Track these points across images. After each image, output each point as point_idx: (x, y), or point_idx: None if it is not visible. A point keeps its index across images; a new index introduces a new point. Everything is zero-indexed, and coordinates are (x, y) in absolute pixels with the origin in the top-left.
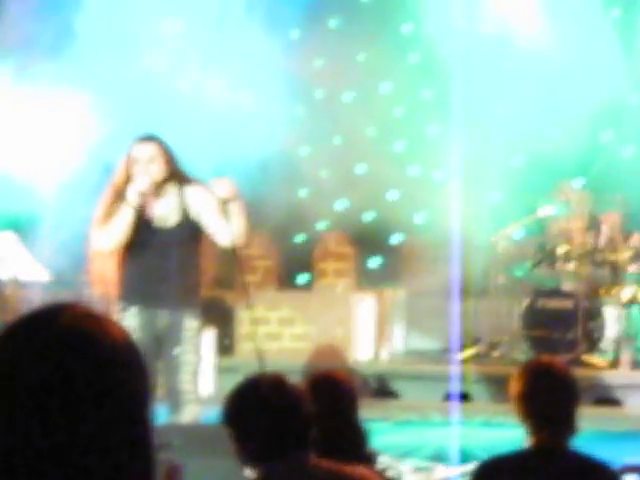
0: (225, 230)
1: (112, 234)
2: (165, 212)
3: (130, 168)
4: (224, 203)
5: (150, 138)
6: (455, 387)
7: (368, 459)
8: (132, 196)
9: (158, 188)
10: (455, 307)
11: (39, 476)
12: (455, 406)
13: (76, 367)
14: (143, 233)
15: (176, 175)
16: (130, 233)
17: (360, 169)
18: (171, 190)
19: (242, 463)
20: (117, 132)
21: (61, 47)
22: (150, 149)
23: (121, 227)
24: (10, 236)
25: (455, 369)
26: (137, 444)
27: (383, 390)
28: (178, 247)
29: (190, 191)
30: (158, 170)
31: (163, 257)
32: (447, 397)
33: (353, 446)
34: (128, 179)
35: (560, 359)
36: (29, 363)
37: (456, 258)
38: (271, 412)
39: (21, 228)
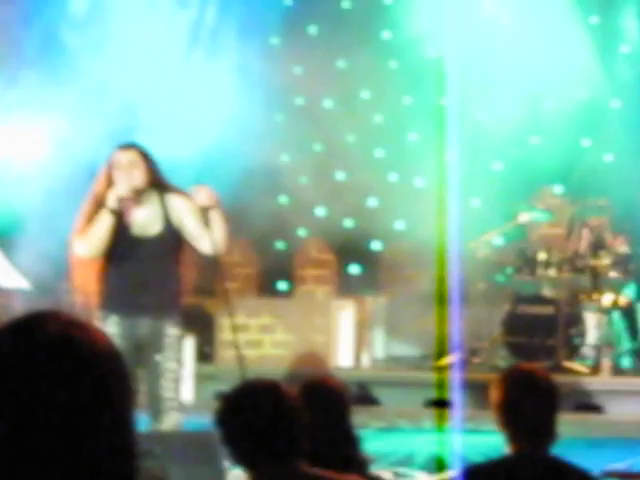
0: (206, 238)
1: (92, 241)
2: (146, 220)
3: (111, 175)
4: (204, 211)
5: (131, 145)
6: (436, 394)
7: (360, 465)
8: (112, 201)
9: (139, 195)
10: (437, 313)
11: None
12: (436, 413)
13: (64, 375)
14: (124, 242)
15: (157, 183)
16: (110, 241)
17: (340, 176)
18: (152, 198)
19: (233, 464)
20: (103, 138)
21: (47, 54)
22: (131, 155)
23: (101, 233)
24: None
25: (435, 376)
26: (122, 450)
27: (364, 397)
28: (159, 256)
29: (171, 199)
30: (139, 176)
31: (144, 266)
32: (428, 404)
33: (345, 453)
34: (109, 186)
35: (540, 365)
36: (16, 371)
37: (436, 265)
38: (264, 416)
39: (2, 234)
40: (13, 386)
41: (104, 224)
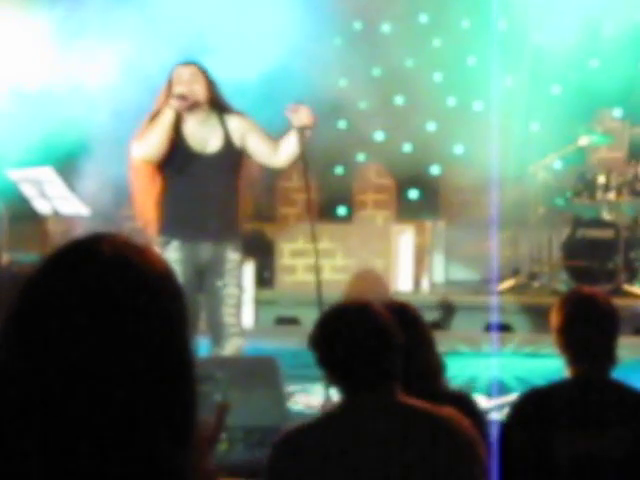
0: (274, 153)
1: (150, 140)
2: (205, 137)
3: (171, 89)
4: (301, 131)
5: (192, 62)
6: (495, 318)
7: (458, 398)
8: (174, 100)
9: (199, 109)
10: (496, 237)
11: (84, 405)
12: (496, 336)
13: (122, 296)
14: (183, 157)
15: (217, 102)
16: (169, 153)
17: (399, 101)
18: (212, 117)
19: (330, 386)
20: (172, 62)
21: None
22: (192, 70)
23: (160, 133)
24: (48, 171)
25: (495, 300)
26: (182, 373)
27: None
28: (219, 175)
29: (231, 119)
30: (200, 90)
31: (204, 187)
32: (488, 328)
33: (435, 378)
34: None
35: (600, 289)
36: (75, 294)
37: (496, 189)
38: (359, 338)
39: (69, 159)
40: (68, 305)
41: (163, 123)
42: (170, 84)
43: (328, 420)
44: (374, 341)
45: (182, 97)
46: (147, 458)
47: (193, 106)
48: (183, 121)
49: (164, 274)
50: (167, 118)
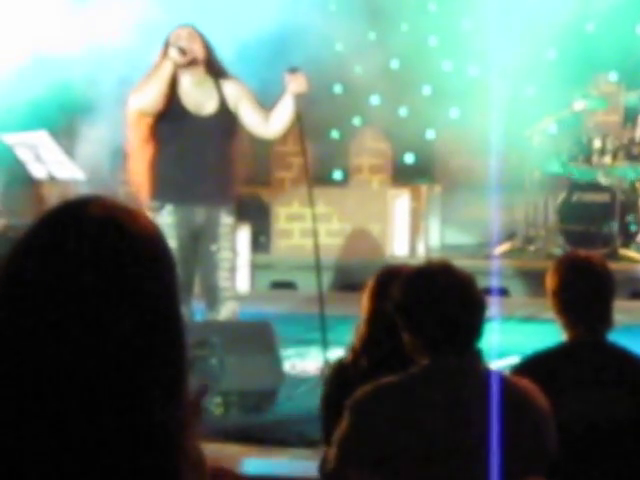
0: (265, 122)
1: (148, 91)
2: (201, 99)
3: (169, 48)
4: (297, 97)
5: (189, 24)
6: (493, 282)
7: None
8: (173, 51)
9: (196, 70)
10: (492, 201)
11: (75, 369)
12: (493, 300)
13: (110, 257)
14: (178, 119)
15: (213, 67)
16: (165, 101)
17: (394, 64)
18: (207, 80)
19: (410, 354)
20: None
21: None
22: (189, 30)
23: (158, 84)
24: (44, 135)
25: (492, 263)
26: (171, 336)
27: None
28: (214, 138)
29: (227, 84)
30: (199, 50)
31: (199, 149)
32: (484, 292)
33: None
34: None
35: (596, 253)
36: (62, 254)
37: (493, 153)
38: (443, 301)
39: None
40: (55, 267)
41: (161, 75)
42: (168, 43)
43: (411, 381)
44: (463, 304)
45: (181, 50)
46: (141, 412)
47: (191, 63)
48: (179, 81)
49: (153, 237)
50: (165, 70)
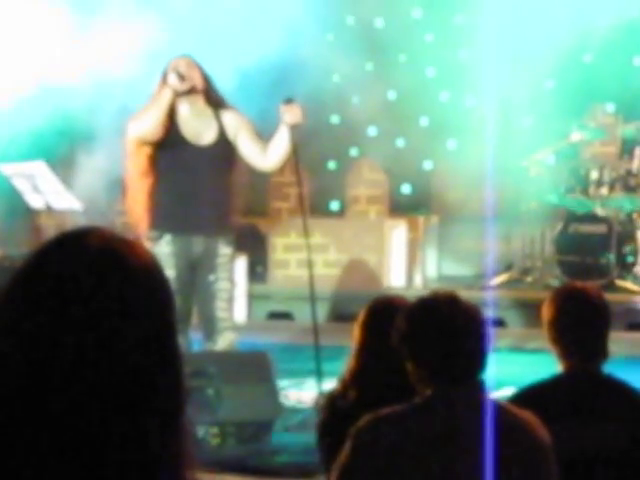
0: (263, 154)
1: (146, 118)
2: (200, 129)
3: (168, 75)
4: (292, 128)
5: (187, 55)
6: (489, 312)
7: None
8: (172, 77)
9: (195, 99)
10: (489, 232)
11: (71, 400)
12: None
13: (108, 288)
14: (177, 149)
15: (212, 97)
16: (164, 130)
17: (392, 96)
18: (207, 110)
19: (414, 384)
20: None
21: None
22: (188, 61)
23: (157, 111)
24: (41, 165)
25: (489, 295)
26: (167, 362)
27: None
28: (212, 168)
29: (226, 114)
30: (198, 78)
31: (197, 179)
32: None
33: None
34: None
35: (593, 284)
36: (60, 285)
37: (490, 184)
38: (447, 332)
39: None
40: (53, 297)
41: (160, 102)
42: (166, 71)
43: (412, 411)
44: (467, 334)
45: (180, 76)
46: (138, 442)
47: (190, 92)
48: (177, 110)
49: (151, 267)
50: (164, 97)
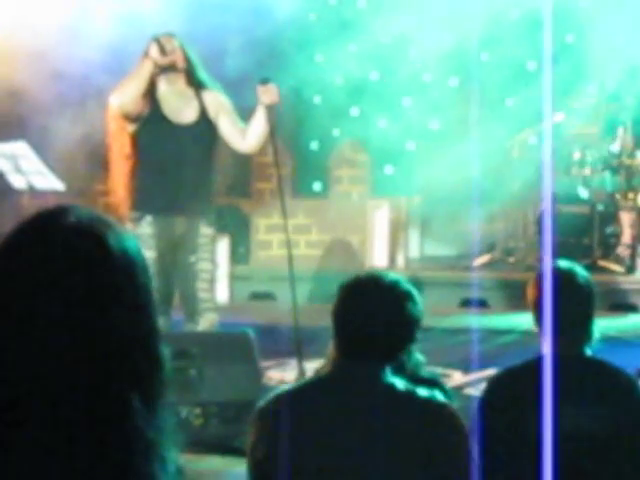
0: (243, 135)
1: (128, 89)
2: (181, 107)
3: (150, 46)
4: (267, 109)
5: (172, 34)
6: (472, 293)
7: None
8: (153, 49)
9: (176, 78)
10: (471, 213)
11: (49, 377)
12: (472, 312)
13: (82, 265)
14: (158, 127)
15: (194, 78)
16: (145, 103)
17: (375, 76)
18: (188, 90)
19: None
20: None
21: None
22: (172, 38)
23: (138, 82)
24: (23, 146)
25: (472, 275)
26: (144, 344)
27: None
28: (193, 147)
29: (208, 94)
30: (179, 56)
31: (178, 159)
32: (464, 303)
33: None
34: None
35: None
36: (35, 260)
37: (472, 164)
38: (355, 312)
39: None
40: (30, 274)
41: (141, 73)
42: (148, 47)
43: (311, 388)
44: (381, 315)
45: (162, 49)
46: (119, 419)
47: (170, 69)
48: (158, 88)
49: (129, 247)
50: (145, 69)
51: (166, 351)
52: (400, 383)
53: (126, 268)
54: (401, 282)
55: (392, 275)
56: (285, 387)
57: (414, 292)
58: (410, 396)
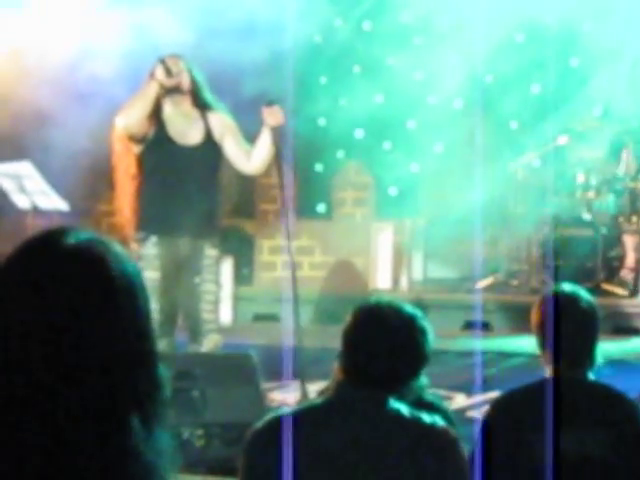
0: (248, 157)
1: (133, 111)
2: (186, 129)
3: (155, 68)
4: (273, 130)
5: (178, 55)
6: (475, 316)
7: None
8: (159, 71)
9: (181, 100)
10: (475, 235)
11: (46, 396)
12: (475, 335)
13: (83, 289)
14: (163, 148)
15: (200, 100)
16: (150, 124)
17: (379, 98)
18: (194, 112)
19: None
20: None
21: None
22: (178, 59)
23: (143, 104)
24: (27, 166)
25: (475, 298)
26: (140, 366)
27: None
28: (198, 169)
29: (213, 116)
30: (185, 78)
31: (184, 180)
32: (467, 326)
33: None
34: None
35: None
36: (35, 284)
37: (475, 187)
38: (368, 337)
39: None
40: (29, 296)
41: (146, 94)
42: (154, 68)
43: (310, 413)
44: (382, 341)
45: (168, 71)
46: (118, 439)
47: (176, 90)
48: (163, 109)
49: (128, 269)
50: (151, 90)
51: (165, 372)
52: (404, 408)
53: (125, 290)
54: (419, 316)
55: (410, 308)
56: (285, 409)
57: (429, 328)
58: (414, 421)
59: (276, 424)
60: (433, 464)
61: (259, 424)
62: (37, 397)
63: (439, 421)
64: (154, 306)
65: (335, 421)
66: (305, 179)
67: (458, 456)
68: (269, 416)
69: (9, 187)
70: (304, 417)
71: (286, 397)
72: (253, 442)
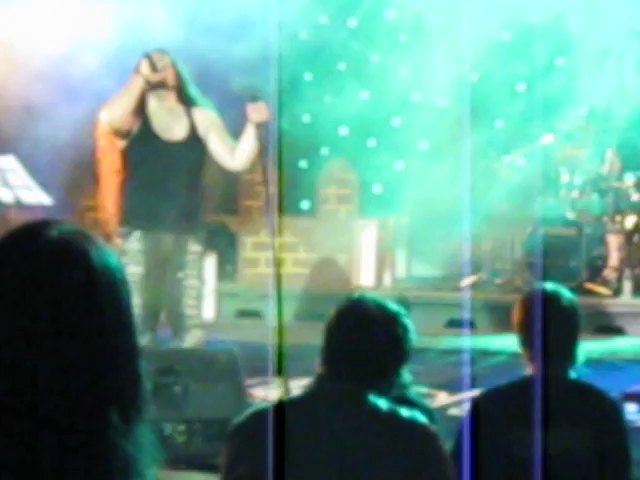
0: (231, 154)
1: (118, 105)
2: (170, 124)
3: (141, 63)
4: (258, 126)
5: (164, 51)
6: (459, 314)
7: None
8: (144, 65)
9: (166, 95)
10: (459, 234)
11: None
12: (458, 333)
13: (64, 282)
14: (147, 144)
15: (184, 96)
16: (135, 118)
17: (364, 95)
18: (179, 108)
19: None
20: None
21: None
22: (163, 55)
23: (128, 98)
24: (11, 160)
25: (459, 296)
26: (120, 361)
27: None
28: (183, 165)
29: (198, 112)
30: (170, 74)
31: (167, 176)
32: (450, 324)
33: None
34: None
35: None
36: (17, 277)
37: (461, 185)
38: (347, 330)
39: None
40: (9, 287)
41: (132, 89)
42: (139, 63)
43: (290, 406)
44: (363, 337)
45: (152, 66)
46: (98, 433)
47: (161, 86)
48: (148, 104)
49: (110, 262)
50: (136, 85)
51: (146, 367)
52: (383, 403)
53: (107, 284)
54: (402, 315)
55: (393, 305)
56: (264, 404)
57: (411, 326)
58: (392, 416)
59: (258, 417)
60: (411, 459)
61: (240, 417)
62: (16, 388)
63: (418, 416)
64: (137, 301)
65: (314, 414)
66: (289, 176)
67: (437, 451)
68: (250, 409)
69: None
70: (285, 411)
71: (268, 393)
72: (235, 434)
